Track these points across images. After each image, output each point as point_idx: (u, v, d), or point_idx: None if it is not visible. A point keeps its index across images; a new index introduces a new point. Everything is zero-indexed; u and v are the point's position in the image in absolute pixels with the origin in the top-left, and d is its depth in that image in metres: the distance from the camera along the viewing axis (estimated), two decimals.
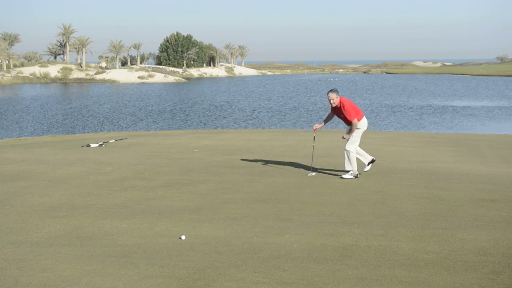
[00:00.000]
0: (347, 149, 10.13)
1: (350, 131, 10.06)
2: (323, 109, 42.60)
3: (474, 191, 8.96)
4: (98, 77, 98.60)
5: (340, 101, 10.03)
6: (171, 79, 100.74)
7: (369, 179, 10.03)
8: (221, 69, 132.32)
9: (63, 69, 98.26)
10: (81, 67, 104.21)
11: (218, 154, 13.52)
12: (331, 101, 10.02)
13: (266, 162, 12.09)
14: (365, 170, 10.38)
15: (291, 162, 12.04)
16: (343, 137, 10.30)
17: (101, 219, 7.50)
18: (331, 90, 10.07)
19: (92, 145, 15.71)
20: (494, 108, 42.14)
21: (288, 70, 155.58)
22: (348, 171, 10.19)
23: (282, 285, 5.07)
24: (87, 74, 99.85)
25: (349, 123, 10.09)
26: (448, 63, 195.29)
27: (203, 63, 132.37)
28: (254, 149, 14.47)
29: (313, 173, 10.53)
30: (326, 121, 10.61)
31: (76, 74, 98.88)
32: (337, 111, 10.17)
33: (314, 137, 10.92)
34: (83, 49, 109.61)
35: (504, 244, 6.16)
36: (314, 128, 10.50)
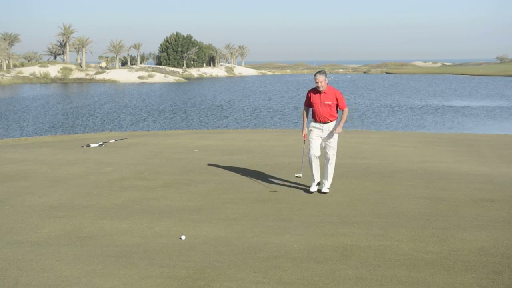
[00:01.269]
0: (334, 154, 8.95)
1: (341, 122, 8.79)
2: None
3: (474, 191, 8.96)
4: (98, 77, 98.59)
5: (328, 88, 8.84)
6: (171, 79, 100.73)
7: (369, 179, 10.03)
8: (221, 69, 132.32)
9: (63, 69, 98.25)
10: (81, 67, 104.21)
11: (218, 154, 13.52)
12: (319, 84, 8.72)
13: (266, 162, 12.09)
14: (324, 190, 8.96)
15: (291, 162, 12.03)
16: (337, 133, 8.89)
17: (101, 219, 7.50)
18: (319, 72, 8.78)
19: (92, 145, 15.71)
20: (494, 108, 42.12)
21: (288, 70, 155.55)
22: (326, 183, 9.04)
23: (282, 285, 5.07)
24: (87, 74, 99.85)
25: (330, 116, 8.82)
26: (448, 63, 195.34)
27: (203, 63, 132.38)
28: (254, 149, 14.47)
29: (300, 175, 9.36)
30: (305, 122, 9.18)
31: (76, 74, 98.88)
32: (322, 98, 8.81)
33: (305, 141, 9.37)
34: (83, 49, 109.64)
35: (504, 244, 6.16)
36: (304, 135, 9.14)
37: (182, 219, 7.40)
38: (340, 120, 8.84)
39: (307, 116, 9.22)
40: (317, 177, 9.02)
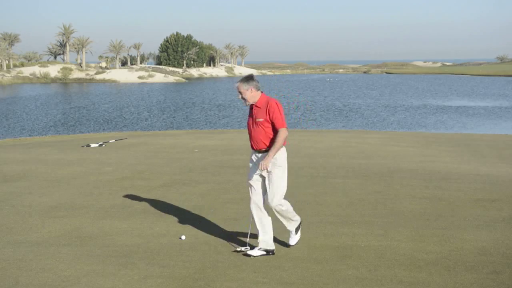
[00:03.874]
0: (276, 205, 5.86)
1: (272, 151, 5.76)
2: (323, 109, 42.60)
3: (474, 191, 8.96)
4: (98, 77, 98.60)
5: (262, 99, 5.92)
6: (171, 79, 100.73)
7: (369, 179, 10.02)
8: (221, 69, 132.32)
9: (63, 69, 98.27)
10: (81, 67, 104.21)
11: (218, 154, 13.52)
12: (243, 96, 5.89)
13: None
14: (291, 243, 6.16)
15: (291, 162, 12.01)
16: (262, 170, 5.84)
17: (101, 219, 7.50)
18: (241, 80, 5.95)
19: (92, 145, 15.71)
20: (495, 108, 42.12)
21: (288, 70, 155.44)
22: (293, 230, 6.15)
23: (282, 285, 5.07)
24: (87, 74, 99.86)
25: (265, 139, 5.88)
26: (448, 63, 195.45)
27: (203, 63, 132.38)
28: None
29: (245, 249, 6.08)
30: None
31: (76, 74, 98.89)
32: (254, 115, 5.93)
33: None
34: (83, 49, 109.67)
35: (504, 244, 6.16)
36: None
37: (182, 219, 7.40)
38: (271, 147, 5.81)
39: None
40: (262, 233, 5.99)
